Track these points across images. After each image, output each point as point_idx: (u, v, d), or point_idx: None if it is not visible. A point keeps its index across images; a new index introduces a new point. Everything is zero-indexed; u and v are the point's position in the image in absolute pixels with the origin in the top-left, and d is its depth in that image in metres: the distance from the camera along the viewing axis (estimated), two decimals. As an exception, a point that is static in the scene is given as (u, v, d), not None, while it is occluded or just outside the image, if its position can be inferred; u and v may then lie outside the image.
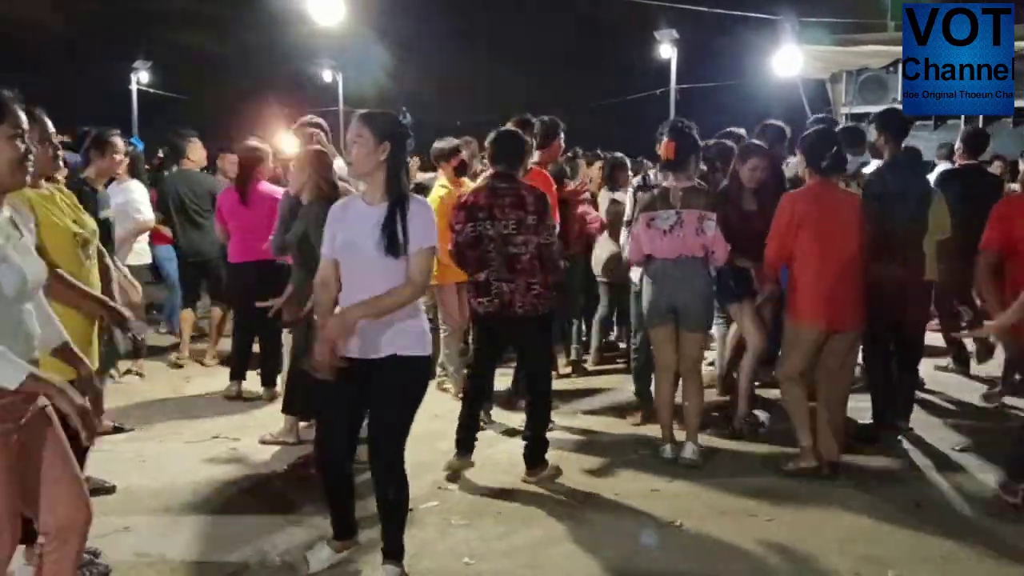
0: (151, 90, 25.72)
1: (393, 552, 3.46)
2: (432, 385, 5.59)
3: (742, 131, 6.16)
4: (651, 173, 5.67)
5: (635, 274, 5.49)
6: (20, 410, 2.44)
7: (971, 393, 6.27)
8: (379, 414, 3.37)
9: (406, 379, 3.33)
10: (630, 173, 7.16)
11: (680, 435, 4.90)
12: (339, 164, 5.39)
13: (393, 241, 3.19)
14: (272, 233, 5.03)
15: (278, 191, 6.15)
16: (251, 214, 5.96)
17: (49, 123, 3.47)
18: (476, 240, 4.49)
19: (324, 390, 3.36)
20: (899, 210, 5.04)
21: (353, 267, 3.30)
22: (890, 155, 5.29)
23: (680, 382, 4.96)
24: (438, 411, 5.36)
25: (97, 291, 3.53)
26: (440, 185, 6.13)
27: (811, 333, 4.54)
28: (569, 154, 8.08)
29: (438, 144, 6.22)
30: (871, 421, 5.28)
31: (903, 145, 5.42)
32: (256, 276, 5.81)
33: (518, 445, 4.91)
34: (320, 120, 6.09)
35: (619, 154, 7.43)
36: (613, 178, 7.04)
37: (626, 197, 6.72)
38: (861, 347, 5.07)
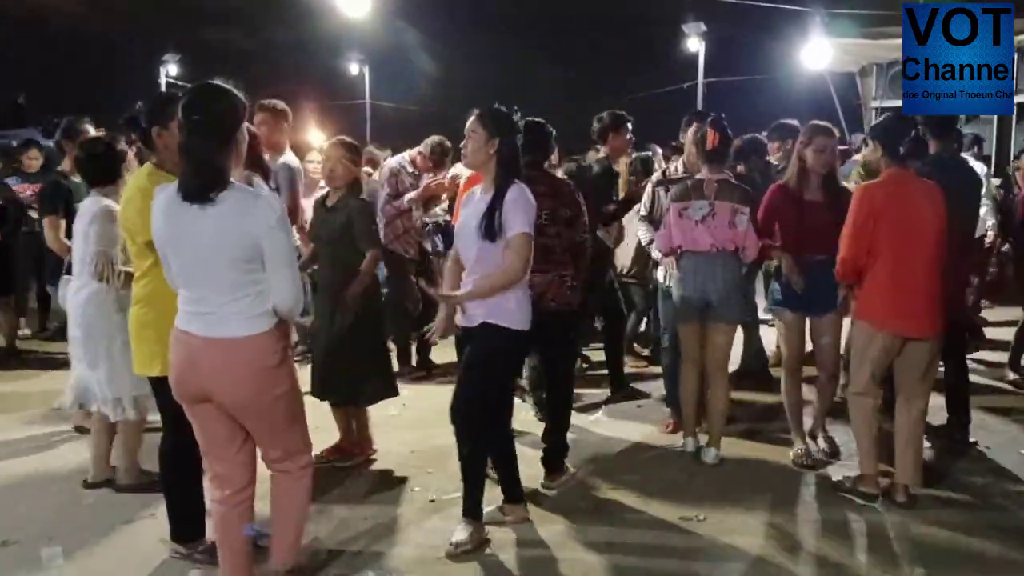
0: (180, 83, 25.95)
1: (467, 509, 3.77)
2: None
3: (795, 122, 6.06)
4: (672, 166, 5.56)
5: (661, 273, 5.39)
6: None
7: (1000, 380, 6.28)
8: (467, 376, 3.72)
9: (491, 345, 3.62)
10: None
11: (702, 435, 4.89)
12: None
13: (489, 226, 3.52)
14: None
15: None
16: None
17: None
18: None
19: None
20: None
21: (461, 247, 3.73)
22: (935, 154, 4.87)
23: (706, 379, 4.79)
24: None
25: None
26: None
27: (883, 339, 4.09)
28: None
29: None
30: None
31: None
32: None
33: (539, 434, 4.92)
34: (280, 104, 5.69)
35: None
36: None
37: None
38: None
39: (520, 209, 3.53)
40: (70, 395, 4.40)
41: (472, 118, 3.65)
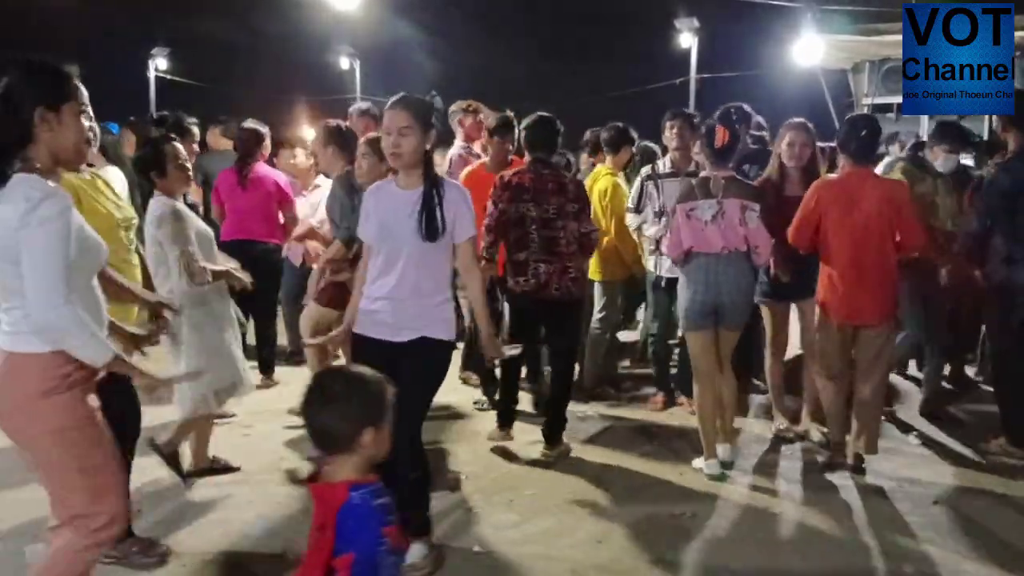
0: (168, 76, 25.79)
1: (420, 529, 3.47)
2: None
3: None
4: (660, 163, 5.57)
5: (651, 262, 5.45)
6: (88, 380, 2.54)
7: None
8: (404, 395, 3.34)
9: (432, 360, 3.41)
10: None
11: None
12: None
13: (432, 226, 3.25)
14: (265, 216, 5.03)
15: (276, 173, 6.11)
16: (247, 195, 5.93)
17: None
18: (520, 220, 4.59)
19: None
20: None
21: (386, 251, 3.35)
22: (1018, 147, 4.83)
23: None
24: (452, 400, 5.39)
25: (139, 277, 3.48)
26: (607, 173, 5.96)
27: (834, 327, 4.44)
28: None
29: (605, 133, 6.12)
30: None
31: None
32: (246, 256, 5.34)
33: (532, 433, 4.90)
34: (370, 106, 6.08)
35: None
36: None
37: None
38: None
39: (468, 210, 3.37)
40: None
41: (399, 112, 3.26)
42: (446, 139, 5.98)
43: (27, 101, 2.42)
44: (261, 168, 6.04)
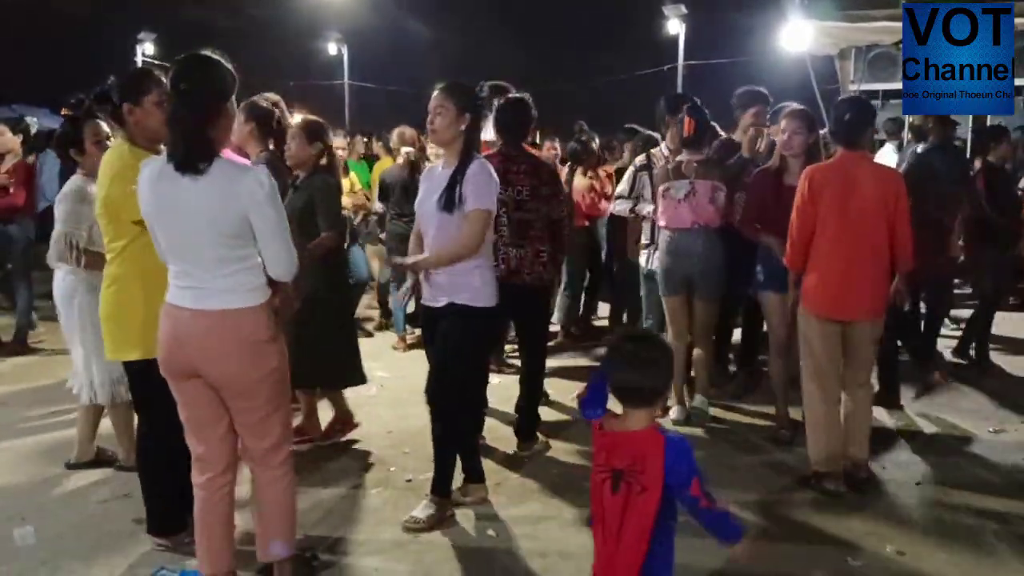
0: (155, 62, 25.60)
1: (468, 475, 3.95)
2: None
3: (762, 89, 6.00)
4: (657, 151, 5.54)
5: (643, 257, 5.42)
6: None
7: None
8: (436, 355, 3.75)
9: (460, 326, 3.64)
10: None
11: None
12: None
13: (449, 199, 3.54)
14: None
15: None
16: None
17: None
18: None
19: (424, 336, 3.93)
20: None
21: (421, 221, 3.74)
22: (938, 139, 5.29)
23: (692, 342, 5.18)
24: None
25: None
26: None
27: (819, 323, 4.09)
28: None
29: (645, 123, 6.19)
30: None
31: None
32: None
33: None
34: (276, 97, 5.92)
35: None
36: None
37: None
38: None
39: (481, 184, 3.54)
40: (72, 378, 4.29)
41: (439, 93, 3.61)
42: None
43: (232, 91, 2.86)
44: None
